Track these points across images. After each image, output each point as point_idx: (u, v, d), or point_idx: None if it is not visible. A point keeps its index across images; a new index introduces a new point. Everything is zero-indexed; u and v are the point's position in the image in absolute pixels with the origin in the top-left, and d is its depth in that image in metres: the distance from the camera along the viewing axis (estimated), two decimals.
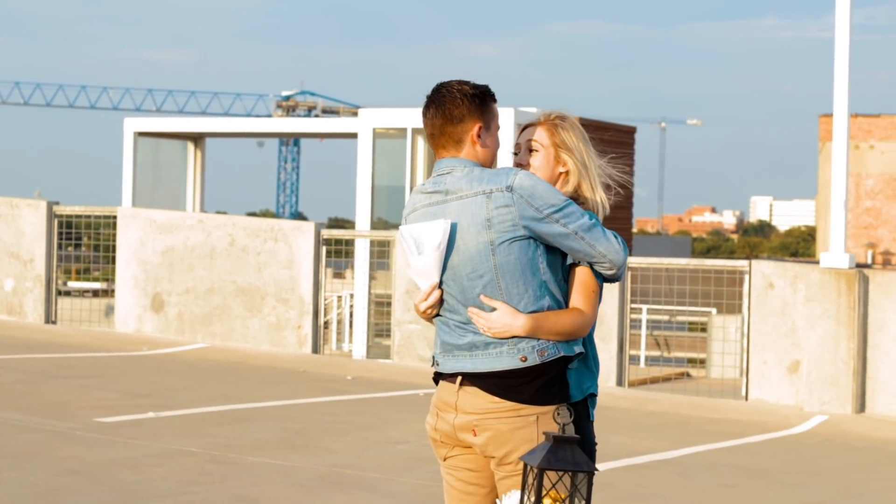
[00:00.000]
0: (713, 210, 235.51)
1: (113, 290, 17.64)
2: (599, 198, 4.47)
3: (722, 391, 14.67)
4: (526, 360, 4.24)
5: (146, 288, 16.71)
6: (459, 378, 4.33)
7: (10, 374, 12.90)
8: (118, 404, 11.34)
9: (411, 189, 18.02)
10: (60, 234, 17.61)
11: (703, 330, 21.37)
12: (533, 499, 3.96)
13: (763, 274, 13.90)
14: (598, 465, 4.15)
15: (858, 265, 14.99)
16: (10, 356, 14.25)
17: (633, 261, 14.85)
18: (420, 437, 10.35)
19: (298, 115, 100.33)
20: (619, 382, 14.49)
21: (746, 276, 14.06)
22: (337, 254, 17.25)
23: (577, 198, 4.44)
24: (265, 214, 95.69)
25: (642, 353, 20.62)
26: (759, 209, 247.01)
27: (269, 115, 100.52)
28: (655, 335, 22.84)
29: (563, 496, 3.95)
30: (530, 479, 3.99)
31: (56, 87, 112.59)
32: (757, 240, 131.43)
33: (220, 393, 12.56)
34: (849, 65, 13.95)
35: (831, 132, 20.83)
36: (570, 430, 4.15)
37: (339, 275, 23.36)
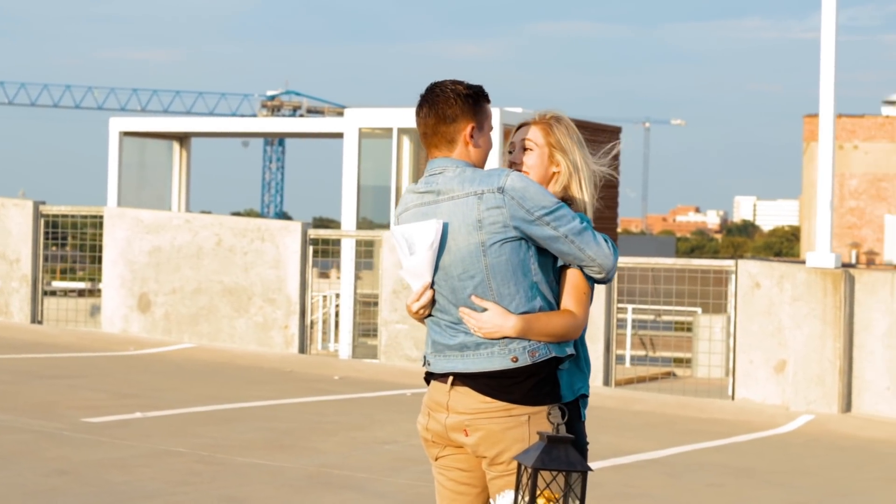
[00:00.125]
0: (697, 210, 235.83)
1: (98, 290, 17.61)
2: (588, 198, 4.49)
3: (708, 391, 14.70)
4: (517, 360, 4.25)
5: (133, 288, 16.69)
6: (451, 378, 4.33)
7: None
8: (105, 404, 11.33)
9: (397, 189, 18.06)
10: (46, 233, 17.58)
11: (689, 329, 21.40)
12: (527, 499, 3.97)
13: (749, 273, 13.94)
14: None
15: (843, 265, 15.04)
16: None
17: (619, 261, 14.84)
18: (408, 437, 10.36)
19: (283, 115, 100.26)
20: (606, 382, 14.52)
21: (733, 276, 14.10)
22: (323, 253, 17.25)
23: (565, 197, 4.45)
24: (250, 214, 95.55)
25: (627, 352, 20.67)
26: (743, 209, 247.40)
27: (254, 115, 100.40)
28: (641, 335, 22.88)
29: (557, 496, 3.96)
30: (524, 479, 3.99)
31: (40, 86, 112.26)
32: (741, 239, 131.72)
33: (208, 393, 12.56)
34: (835, 65, 14.00)
35: (816, 132, 20.86)
36: (563, 431, 4.16)
37: (324, 274, 23.37)
